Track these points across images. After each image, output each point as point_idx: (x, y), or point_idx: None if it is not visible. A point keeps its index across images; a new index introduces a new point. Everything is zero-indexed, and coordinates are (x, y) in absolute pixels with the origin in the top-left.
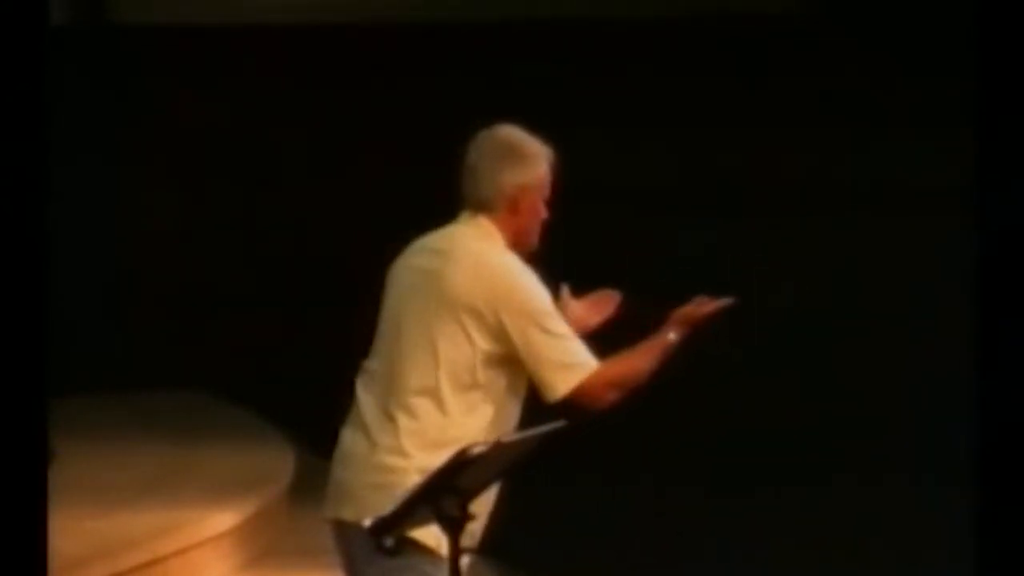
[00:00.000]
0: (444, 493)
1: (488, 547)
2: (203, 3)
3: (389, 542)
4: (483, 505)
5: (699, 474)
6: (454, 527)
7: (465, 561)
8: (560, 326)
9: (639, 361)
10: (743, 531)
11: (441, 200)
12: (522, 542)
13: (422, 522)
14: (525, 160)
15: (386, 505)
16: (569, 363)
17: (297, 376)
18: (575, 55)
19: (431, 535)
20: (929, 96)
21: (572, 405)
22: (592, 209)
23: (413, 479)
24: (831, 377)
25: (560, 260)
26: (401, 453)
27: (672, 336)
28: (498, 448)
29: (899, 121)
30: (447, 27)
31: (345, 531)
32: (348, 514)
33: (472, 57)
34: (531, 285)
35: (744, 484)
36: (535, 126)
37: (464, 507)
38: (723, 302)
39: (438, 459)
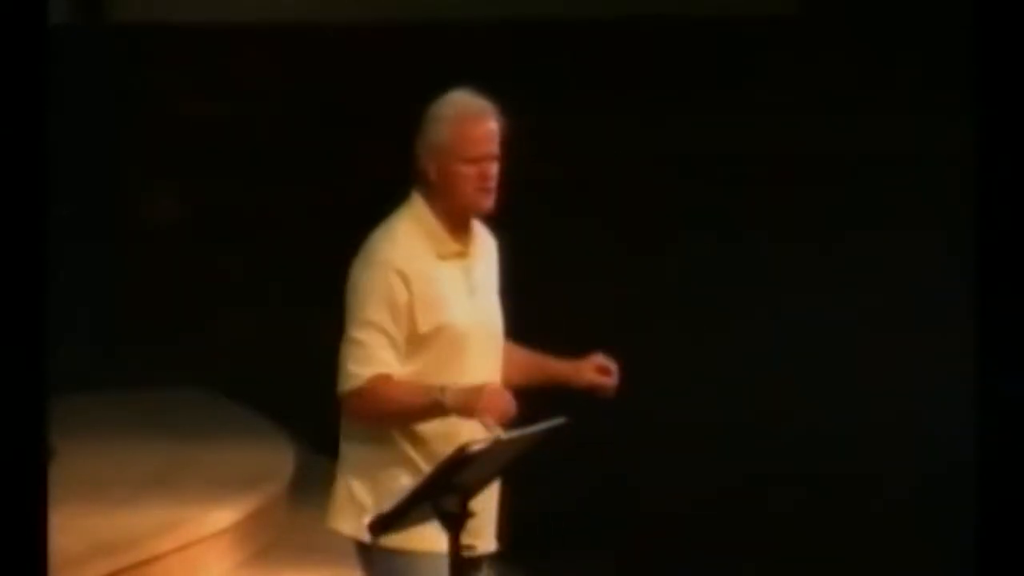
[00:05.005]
0: (444, 490)
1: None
2: (202, 2)
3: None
4: (487, 504)
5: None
6: (454, 524)
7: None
8: (364, 334)
9: (405, 399)
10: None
11: None
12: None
13: (422, 519)
14: (430, 123)
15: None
16: (346, 371)
17: (297, 374)
18: (572, 56)
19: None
20: (927, 93)
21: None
22: (587, 209)
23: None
24: (830, 376)
25: (555, 255)
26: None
27: (449, 395)
28: (497, 445)
29: (897, 121)
30: (449, 27)
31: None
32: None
33: (474, 57)
34: (372, 285)
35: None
36: (527, 126)
37: (464, 504)
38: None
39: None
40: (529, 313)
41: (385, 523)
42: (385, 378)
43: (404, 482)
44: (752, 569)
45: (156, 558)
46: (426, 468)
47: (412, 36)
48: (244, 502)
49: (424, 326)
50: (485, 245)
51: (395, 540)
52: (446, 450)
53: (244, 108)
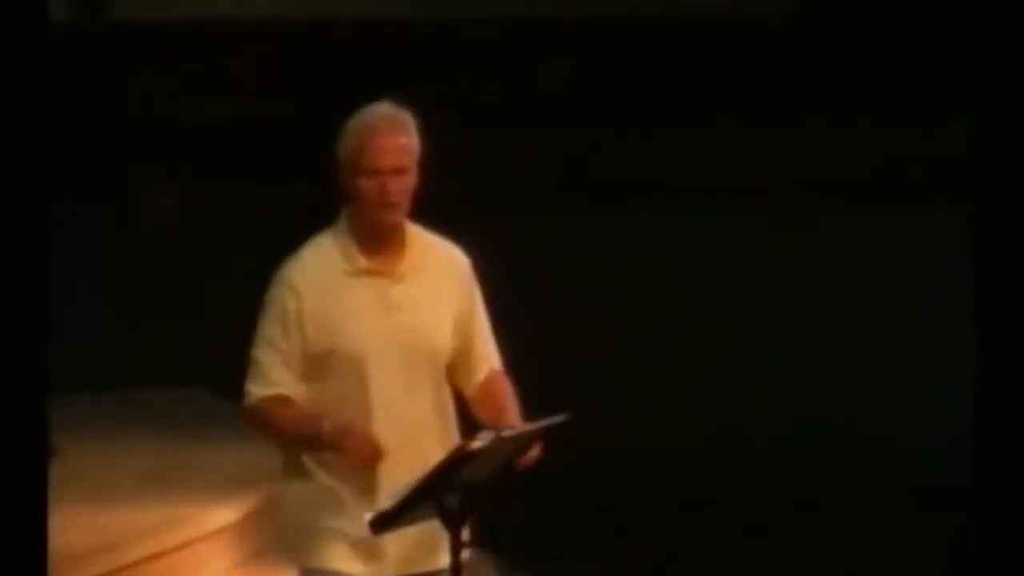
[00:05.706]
0: (445, 488)
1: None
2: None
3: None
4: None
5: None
6: (455, 522)
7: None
8: (260, 352)
9: (289, 426)
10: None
11: (437, 197)
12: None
13: (423, 517)
14: (340, 136)
15: None
16: (246, 388)
17: None
18: (572, 56)
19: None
20: (927, 93)
21: None
22: (587, 209)
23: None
24: (830, 376)
25: (554, 255)
26: None
27: (326, 430)
28: (498, 442)
29: (897, 121)
30: (450, 26)
31: None
32: None
33: (474, 57)
34: (269, 302)
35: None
36: (529, 123)
37: (465, 502)
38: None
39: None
40: (528, 314)
41: (386, 521)
42: (279, 399)
43: (325, 513)
44: (751, 569)
45: (156, 556)
46: (346, 498)
47: (413, 34)
48: (244, 500)
49: (316, 346)
50: (429, 264)
51: (308, 559)
52: (361, 481)
53: (244, 108)
